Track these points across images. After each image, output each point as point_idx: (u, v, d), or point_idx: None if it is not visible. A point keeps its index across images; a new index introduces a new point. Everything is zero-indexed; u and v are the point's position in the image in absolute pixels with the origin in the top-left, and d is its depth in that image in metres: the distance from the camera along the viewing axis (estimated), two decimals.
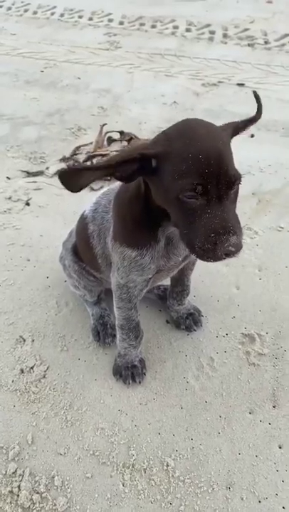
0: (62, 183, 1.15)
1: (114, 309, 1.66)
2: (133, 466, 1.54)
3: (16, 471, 1.53)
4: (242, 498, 1.46)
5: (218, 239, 1.12)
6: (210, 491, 1.48)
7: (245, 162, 2.90)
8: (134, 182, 1.33)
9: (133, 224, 1.41)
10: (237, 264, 2.23)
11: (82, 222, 1.71)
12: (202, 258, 1.20)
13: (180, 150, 1.13)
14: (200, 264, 2.15)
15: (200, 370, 1.81)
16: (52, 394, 1.74)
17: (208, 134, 1.15)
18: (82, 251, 1.80)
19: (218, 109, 3.49)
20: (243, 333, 1.93)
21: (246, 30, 4.81)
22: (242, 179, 1.17)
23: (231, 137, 1.28)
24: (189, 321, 1.92)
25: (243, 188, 2.64)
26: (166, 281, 1.96)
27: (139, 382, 1.75)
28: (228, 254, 1.15)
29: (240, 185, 1.20)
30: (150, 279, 1.53)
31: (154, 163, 1.18)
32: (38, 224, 2.50)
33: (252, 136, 3.15)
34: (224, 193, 1.13)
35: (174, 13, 5.30)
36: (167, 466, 1.53)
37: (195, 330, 1.93)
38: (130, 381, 1.75)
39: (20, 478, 1.51)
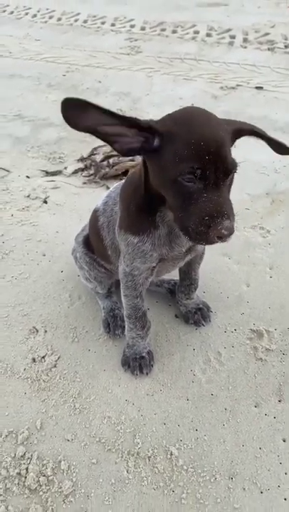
0: (64, 112, 1.14)
1: (122, 298, 1.71)
2: (138, 454, 1.57)
3: (24, 454, 1.58)
4: (244, 489, 1.47)
5: (211, 222, 1.16)
6: (212, 480, 1.50)
7: (260, 163, 2.92)
8: (137, 173, 1.39)
9: (134, 211, 1.47)
10: (248, 262, 2.24)
11: (94, 215, 1.78)
12: (195, 241, 1.24)
13: (184, 134, 1.18)
14: (211, 261, 2.19)
15: (207, 364, 1.83)
16: (62, 382, 1.79)
17: (210, 123, 1.20)
18: (93, 242, 1.87)
19: (236, 111, 3.51)
20: (251, 329, 1.94)
21: (267, 34, 4.82)
22: (237, 168, 1.22)
23: (234, 135, 1.29)
24: (198, 316, 1.95)
25: (257, 188, 2.69)
26: (177, 276, 2.00)
27: (147, 374, 1.79)
28: (221, 238, 1.18)
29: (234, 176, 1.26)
30: (154, 268, 1.57)
31: (157, 142, 1.23)
32: (55, 221, 2.57)
33: None
34: (221, 179, 1.18)
35: (196, 18, 5.36)
36: (171, 455, 1.56)
37: (204, 325, 1.95)
38: (138, 372, 1.78)
39: (28, 462, 1.56)
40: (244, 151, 3.03)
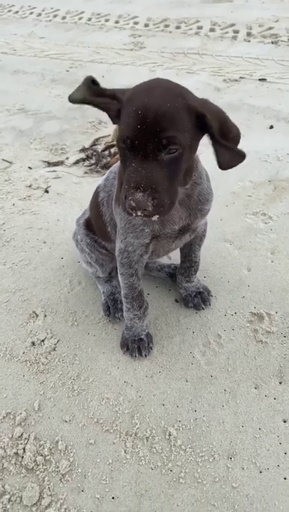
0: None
1: (119, 277, 1.70)
2: (136, 435, 1.55)
3: (21, 435, 1.57)
4: (243, 468, 1.45)
5: (127, 191, 1.18)
6: (211, 460, 1.48)
7: (263, 151, 2.90)
8: None
9: None
10: (249, 248, 2.22)
11: (95, 192, 1.79)
12: (122, 208, 1.27)
13: (130, 102, 1.19)
14: (212, 247, 2.18)
15: (207, 347, 1.81)
16: (60, 365, 1.78)
17: (161, 94, 1.18)
18: (93, 220, 1.87)
19: (238, 103, 3.50)
20: (251, 312, 1.92)
21: (270, 28, 4.81)
22: (178, 149, 1.17)
23: (198, 117, 1.21)
24: (198, 300, 1.93)
25: (260, 176, 2.67)
26: (177, 260, 1.99)
27: (145, 356, 1.77)
28: (132, 209, 1.19)
29: (181, 155, 1.20)
30: (148, 244, 1.56)
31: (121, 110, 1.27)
32: (56, 210, 2.57)
33: (271, 127, 3.14)
34: (151, 152, 1.16)
35: (199, 14, 5.36)
36: (169, 435, 1.54)
37: (203, 308, 1.94)
38: (136, 354, 1.77)
39: (25, 442, 1.55)
40: (246, 139, 3.02)
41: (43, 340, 1.88)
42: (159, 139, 1.15)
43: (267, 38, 4.61)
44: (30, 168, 2.95)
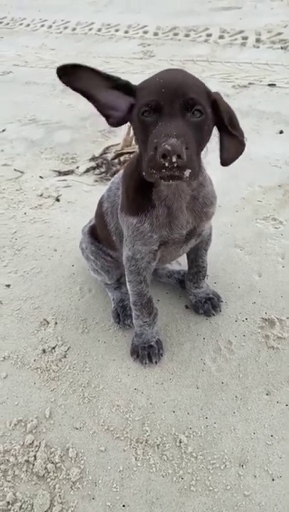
0: (61, 76, 1.29)
1: (127, 285, 1.70)
2: (146, 442, 1.55)
3: (32, 442, 1.57)
4: (255, 476, 1.43)
5: (158, 142, 1.14)
6: (222, 467, 1.46)
7: (273, 156, 2.89)
8: (135, 157, 1.41)
9: (132, 192, 1.49)
10: (260, 253, 2.21)
11: (99, 202, 1.80)
12: (147, 169, 1.20)
13: (149, 83, 1.24)
14: (222, 252, 2.18)
15: (217, 353, 1.80)
16: (71, 372, 1.79)
17: (180, 71, 1.26)
18: (99, 229, 1.88)
19: (248, 108, 3.50)
20: (263, 318, 1.90)
21: (279, 34, 4.81)
22: (203, 112, 1.20)
23: (212, 101, 1.26)
24: (208, 306, 1.92)
25: (270, 180, 2.66)
26: (186, 266, 1.98)
27: (156, 363, 1.77)
28: (166, 157, 1.12)
29: (204, 121, 1.22)
30: (156, 251, 1.57)
31: (133, 100, 1.28)
32: (67, 218, 2.59)
33: (281, 132, 3.13)
34: (179, 111, 1.17)
35: (208, 22, 5.39)
36: (180, 442, 1.53)
37: (214, 314, 1.93)
38: (147, 361, 1.76)
39: (36, 449, 1.56)
40: (256, 144, 3.02)
41: (53, 348, 1.88)
42: (186, 99, 1.17)
43: (276, 44, 4.61)
44: (41, 177, 2.98)
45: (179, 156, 1.12)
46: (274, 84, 3.82)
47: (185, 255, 1.89)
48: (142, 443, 1.55)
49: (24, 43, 5.47)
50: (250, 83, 3.91)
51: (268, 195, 2.57)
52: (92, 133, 3.43)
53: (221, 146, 1.34)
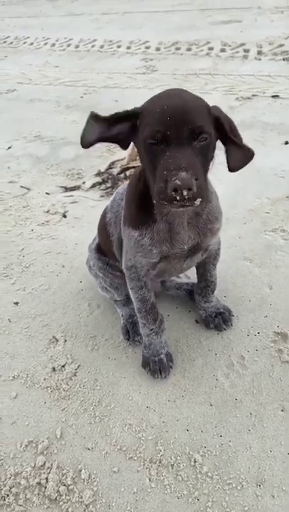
0: (82, 136, 1.34)
1: (130, 292, 1.71)
2: (160, 462, 1.51)
3: (44, 464, 1.55)
4: (273, 496, 1.39)
5: (168, 175, 1.16)
6: (239, 487, 1.42)
7: (280, 167, 2.88)
8: (138, 171, 1.44)
9: (134, 205, 1.50)
10: (270, 265, 2.19)
11: (103, 213, 1.81)
12: (158, 202, 1.23)
13: (153, 106, 1.24)
14: (232, 265, 2.16)
15: (230, 368, 1.77)
16: (82, 391, 1.76)
17: (181, 95, 1.25)
18: (102, 240, 1.89)
19: (252, 120, 3.50)
20: (275, 332, 1.87)
21: (281, 45, 4.84)
22: (208, 137, 1.22)
23: (214, 118, 1.28)
24: (218, 320, 1.90)
25: (277, 192, 2.65)
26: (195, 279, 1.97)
27: (165, 377, 1.74)
28: (176, 191, 1.14)
29: (210, 144, 1.25)
30: (157, 264, 1.56)
31: (138, 122, 1.29)
32: (74, 234, 2.58)
33: (286, 143, 3.13)
34: (186, 141, 1.19)
35: (209, 35, 5.44)
36: (195, 462, 1.50)
37: (225, 329, 1.90)
38: (159, 375, 1.74)
39: (48, 471, 1.52)
40: (261, 155, 3.01)
41: (63, 366, 1.86)
42: (192, 128, 1.18)
43: (278, 55, 4.63)
44: (47, 193, 2.99)
45: (189, 189, 1.15)
46: (277, 96, 3.83)
47: (194, 269, 1.87)
48: (155, 463, 1.51)
49: (28, 61, 5.53)
50: (253, 95, 3.92)
51: (275, 207, 2.55)
52: (97, 148, 3.42)
53: (227, 156, 1.36)
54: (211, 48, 5.09)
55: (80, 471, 1.51)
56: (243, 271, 2.17)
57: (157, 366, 1.74)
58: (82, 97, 4.38)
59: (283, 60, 4.51)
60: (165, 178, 1.17)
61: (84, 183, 3.03)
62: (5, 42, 6.47)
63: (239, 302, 2.02)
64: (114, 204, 1.74)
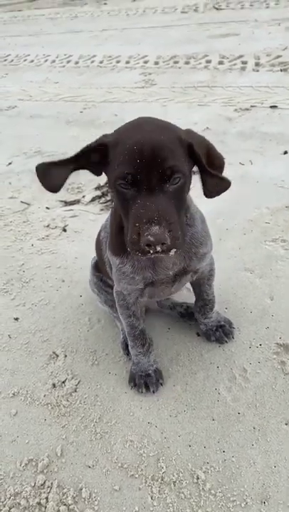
0: (42, 183, 1.30)
1: (119, 316, 1.71)
2: (162, 479, 1.48)
3: (44, 483, 1.52)
4: None
5: (140, 228, 1.12)
6: (243, 505, 1.39)
7: (279, 177, 2.87)
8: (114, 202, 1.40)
9: (114, 232, 1.46)
10: (271, 276, 2.16)
11: (99, 231, 1.79)
12: (132, 251, 1.20)
13: (122, 140, 1.18)
14: (232, 276, 2.14)
15: (232, 382, 1.74)
16: (82, 407, 1.74)
17: (151, 129, 1.18)
18: (98, 258, 1.89)
19: (251, 131, 3.51)
20: (277, 343, 1.85)
21: (279, 57, 4.87)
22: (181, 177, 1.18)
23: (188, 147, 1.22)
24: (219, 333, 1.87)
25: (277, 202, 2.63)
26: (189, 299, 1.96)
27: (153, 392, 1.72)
28: (149, 245, 1.12)
29: (184, 184, 1.21)
30: (143, 290, 1.53)
31: (109, 154, 1.24)
32: (74, 248, 2.58)
33: (285, 152, 3.12)
34: (157, 185, 1.14)
35: (207, 49, 5.49)
36: (198, 478, 1.46)
37: (226, 341, 1.87)
38: (143, 390, 1.72)
39: (48, 490, 1.50)
40: (260, 166, 3.01)
41: (63, 382, 1.84)
42: (163, 170, 1.14)
43: (276, 67, 4.66)
44: (47, 208, 2.99)
45: (163, 243, 1.12)
46: (276, 106, 3.84)
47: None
48: (157, 480, 1.48)
49: (28, 79, 5.59)
50: (252, 106, 3.93)
51: (275, 217, 2.54)
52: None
53: (202, 183, 1.29)
54: (209, 61, 5.13)
55: (81, 489, 1.48)
56: (243, 282, 2.15)
57: (142, 380, 1.72)
58: (81, 112, 4.41)
59: (281, 71, 4.54)
60: (137, 231, 1.14)
61: (84, 196, 3.04)
62: (5, 60, 6.55)
63: (240, 314, 2.00)
64: (107, 223, 1.72)
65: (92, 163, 1.31)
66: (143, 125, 1.22)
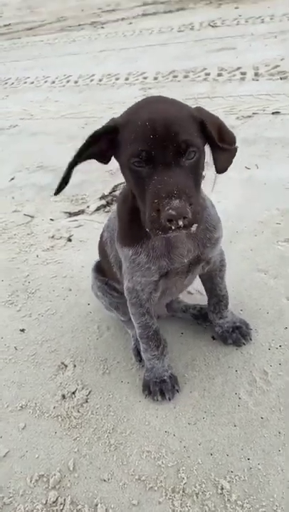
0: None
1: (131, 317, 1.62)
2: (184, 491, 1.37)
3: (56, 499, 1.41)
4: None
5: (160, 203, 1.08)
6: None
7: (287, 178, 2.80)
8: (127, 187, 1.36)
9: (126, 222, 1.41)
10: (286, 276, 2.08)
11: (101, 232, 1.73)
12: (151, 231, 1.15)
13: (133, 120, 1.14)
14: (246, 278, 2.06)
15: (253, 385, 1.64)
16: (94, 418, 1.64)
17: (162, 106, 1.16)
18: (102, 261, 1.82)
19: (254, 137, 3.46)
20: None
21: (277, 66, 4.87)
22: (197, 151, 1.15)
23: (201, 124, 1.19)
24: (236, 335, 1.78)
25: (287, 202, 2.56)
26: (203, 302, 1.88)
27: (169, 399, 1.63)
28: (171, 220, 1.07)
29: (199, 159, 1.18)
30: (157, 282, 1.47)
31: (118, 136, 1.20)
32: (79, 257, 2.51)
33: None
34: (173, 159, 1.11)
35: (206, 63, 5.51)
36: (222, 489, 1.35)
37: (244, 344, 1.78)
38: (159, 397, 1.63)
39: (61, 508, 1.39)
40: (267, 169, 2.96)
41: (73, 393, 1.75)
42: (178, 144, 1.10)
43: (275, 76, 4.65)
44: (52, 219, 2.93)
45: (185, 217, 1.08)
46: (278, 112, 3.81)
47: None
48: (178, 492, 1.37)
49: (29, 99, 5.63)
50: (253, 113, 3.91)
51: (286, 217, 2.47)
52: (100, 174, 3.40)
53: (214, 159, 1.27)
54: (207, 74, 5.14)
55: (96, 505, 1.38)
56: (258, 283, 2.07)
57: (157, 387, 1.63)
58: (83, 128, 4.40)
59: (280, 79, 4.53)
60: (157, 207, 1.09)
61: (88, 207, 2.99)
62: (6, 83, 6.62)
63: (256, 315, 1.91)
64: (110, 223, 1.66)
65: (98, 153, 1.26)
66: (153, 103, 1.19)
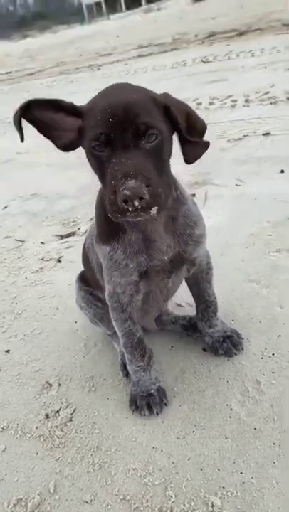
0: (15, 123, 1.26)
1: (113, 324, 1.55)
2: (171, 510, 1.26)
3: None
4: None
5: (116, 185, 1.05)
6: None
7: (277, 193, 2.78)
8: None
9: (102, 219, 1.37)
10: (279, 285, 2.01)
11: (84, 242, 1.71)
12: (111, 214, 1.12)
13: (96, 105, 1.13)
14: (237, 288, 1.99)
15: (245, 395, 1.54)
16: (78, 436, 1.54)
17: (123, 90, 1.15)
18: (85, 269, 1.78)
19: (245, 157, 3.47)
20: None
21: (267, 92, 4.96)
22: (158, 134, 1.12)
23: (165, 108, 1.17)
24: (227, 345, 1.70)
25: (277, 215, 2.52)
26: (191, 312, 1.81)
27: (157, 414, 1.53)
28: (127, 201, 1.04)
29: (161, 142, 1.14)
30: (138, 282, 1.41)
31: (83, 122, 1.18)
32: (68, 276, 2.45)
33: (282, 171, 3.06)
34: (132, 142, 1.09)
35: (198, 93, 5.64)
36: (212, 506, 1.24)
37: (236, 354, 1.69)
38: (146, 412, 1.53)
39: None
40: (257, 185, 2.94)
41: (57, 411, 1.65)
42: (136, 126, 1.08)
43: (265, 101, 4.73)
44: (42, 243, 2.91)
45: (141, 198, 1.04)
46: (269, 133, 3.84)
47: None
48: None
49: (26, 134, 5.73)
50: (244, 135, 3.94)
51: (278, 229, 2.42)
52: (92, 197, 3.38)
53: (182, 149, 1.23)
54: (199, 103, 5.24)
55: None
56: (249, 293, 1.99)
57: (144, 401, 1.54)
58: (78, 157, 4.45)
59: (270, 104, 4.60)
60: (113, 189, 1.07)
61: (79, 228, 2.97)
62: (4, 122, 6.80)
63: (248, 325, 1.83)
64: (91, 229, 1.63)
65: (69, 143, 1.25)
66: (116, 89, 1.18)
